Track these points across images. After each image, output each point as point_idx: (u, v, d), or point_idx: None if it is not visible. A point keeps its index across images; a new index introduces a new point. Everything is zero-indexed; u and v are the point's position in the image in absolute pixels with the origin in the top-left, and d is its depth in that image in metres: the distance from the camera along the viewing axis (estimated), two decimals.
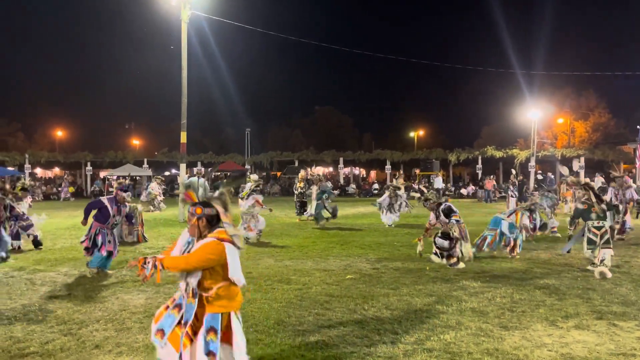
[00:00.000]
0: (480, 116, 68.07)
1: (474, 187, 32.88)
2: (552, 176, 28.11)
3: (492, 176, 30.34)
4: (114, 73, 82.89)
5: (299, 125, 63.26)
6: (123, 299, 6.16)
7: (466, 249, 8.32)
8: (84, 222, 7.83)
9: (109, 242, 7.74)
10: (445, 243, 8.29)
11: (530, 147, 32.96)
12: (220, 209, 3.40)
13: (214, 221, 3.43)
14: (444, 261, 8.30)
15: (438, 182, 30.71)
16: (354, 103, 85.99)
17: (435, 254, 8.55)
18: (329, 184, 17.46)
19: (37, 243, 10.19)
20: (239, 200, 11.58)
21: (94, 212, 7.90)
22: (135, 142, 53.78)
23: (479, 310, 5.63)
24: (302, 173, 17.10)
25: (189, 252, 3.45)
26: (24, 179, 30.60)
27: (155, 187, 20.92)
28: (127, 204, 8.19)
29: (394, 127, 64.79)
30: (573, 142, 43.55)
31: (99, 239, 7.67)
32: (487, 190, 28.35)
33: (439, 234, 8.51)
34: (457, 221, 8.38)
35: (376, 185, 36.44)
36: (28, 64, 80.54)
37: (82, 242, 7.89)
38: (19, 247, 9.89)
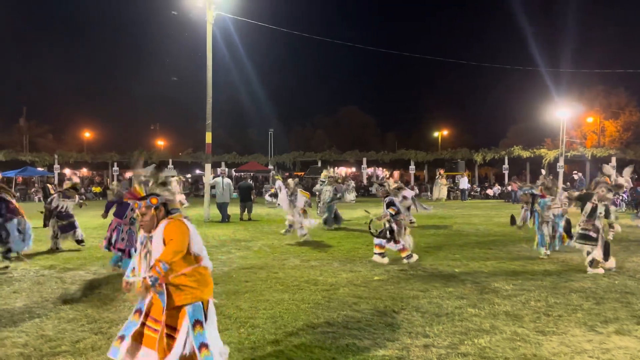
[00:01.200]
0: (507, 115, 66.79)
1: (499, 188, 32.30)
2: (582, 176, 27.43)
3: (515, 177, 29.76)
4: (140, 74, 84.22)
5: (322, 125, 63.30)
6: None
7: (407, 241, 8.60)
8: (104, 215, 8.35)
9: (122, 239, 7.80)
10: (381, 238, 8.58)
11: (559, 147, 32.22)
12: (168, 195, 3.39)
13: (168, 207, 3.41)
14: (385, 260, 8.50)
15: (464, 183, 30.28)
16: (377, 102, 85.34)
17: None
18: (343, 186, 17.17)
19: (79, 241, 10.36)
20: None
21: (113, 209, 8.19)
22: (160, 142, 54.55)
23: (513, 314, 5.45)
24: (324, 173, 16.98)
25: (148, 251, 3.34)
26: (69, 179, 31.29)
27: (175, 187, 20.94)
28: None
29: (418, 127, 64.10)
30: (603, 142, 42.43)
31: (114, 236, 7.81)
32: (512, 191, 27.79)
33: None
34: (392, 215, 8.44)
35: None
36: (57, 66, 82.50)
37: (104, 238, 8.05)
38: (57, 247, 9.94)
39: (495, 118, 68.77)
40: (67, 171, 41.58)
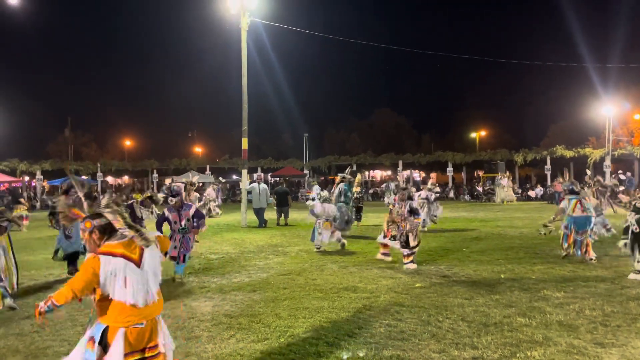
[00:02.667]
0: (547, 114, 64.46)
1: (542, 189, 31.24)
2: (631, 176, 26.21)
3: (561, 177, 28.69)
4: (177, 83, 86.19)
5: (356, 128, 62.98)
6: (191, 306, 6.16)
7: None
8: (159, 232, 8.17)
9: (175, 247, 7.82)
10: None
11: (605, 146, 30.91)
12: (111, 217, 3.16)
13: (107, 231, 3.17)
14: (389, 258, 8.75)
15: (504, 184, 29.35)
16: (412, 104, 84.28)
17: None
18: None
19: None
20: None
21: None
22: (198, 149, 55.55)
23: (567, 323, 5.14)
24: (358, 177, 16.72)
25: None
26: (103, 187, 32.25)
27: (210, 193, 21.05)
28: (191, 203, 8.36)
29: (454, 128, 62.87)
30: None
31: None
32: (556, 192, 26.78)
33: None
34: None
35: (437, 189, 35.47)
36: (99, 77, 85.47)
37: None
38: None
39: (536, 117, 66.60)
40: (109, 178, 42.91)
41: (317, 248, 10.47)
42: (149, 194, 10.55)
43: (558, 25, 65.99)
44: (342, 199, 13.00)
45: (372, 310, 5.78)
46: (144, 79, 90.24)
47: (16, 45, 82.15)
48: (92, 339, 3.06)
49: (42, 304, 2.99)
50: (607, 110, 30.90)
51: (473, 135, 54.24)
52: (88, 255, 3.18)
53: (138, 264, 3.10)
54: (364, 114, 70.04)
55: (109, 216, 3.18)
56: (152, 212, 10.23)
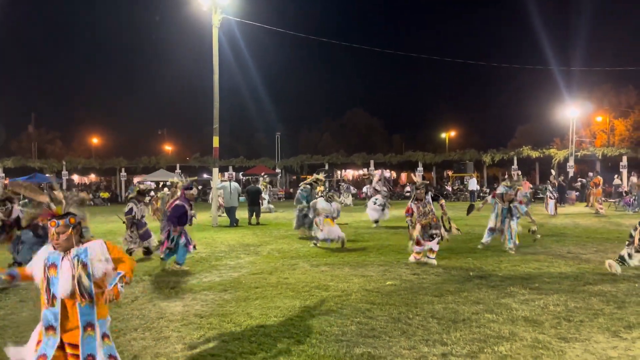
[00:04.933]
0: (514, 115, 66.48)
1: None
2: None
3: (525, 177, 29.42)
4: (147, 80, 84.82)
5: (328, 128, 63.18)
6: (160, 306, 6.06)
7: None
8: (178, 229, 8.34)
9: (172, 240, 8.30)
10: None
11: (569, 147, 31.88)
12: (81, 214, 3.43)
13: (81, 227, 3.44)
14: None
15: (472, 184, 30.01)
16: (383, 104, 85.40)
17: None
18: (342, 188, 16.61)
19: (148, 252, 9.80)
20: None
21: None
22: (168, 147, 54.67)
23: (532, 319, 5.27)
24: (320, 176, 16.13)
25: (58, 268, 3.23)
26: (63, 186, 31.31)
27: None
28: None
29: (425, 128, 64.08)
30: (613, 141, 41.97)
31: (182, 239, 8.30)
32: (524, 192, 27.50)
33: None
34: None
35: (408, 188, 35.91)
36: (64, 73, 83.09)
37: (162, 244, 8.46)
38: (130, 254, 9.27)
39: (503, 118, 68.43)
40: (75, 177, 41.80)
41: (314, 243, 10.76)
42: (136, 190, 10.27)
43: (525, 29, 67.72)
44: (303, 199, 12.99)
45: (343, 308, 5.80)
46: (112, 75, 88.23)
47: None
48: (105, 335, 3.33)
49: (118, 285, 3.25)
50: (571, 112, 31.87)
51: (443, 135, 55.17)
52: (42, 256, 3.29)
53: None
54: (337, 113, 70.25)
55: (80, 213, 3.41)
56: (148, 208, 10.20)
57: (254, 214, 16.64)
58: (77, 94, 76.74)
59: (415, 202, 8.65)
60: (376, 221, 15.05)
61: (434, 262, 8.44)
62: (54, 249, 3.30)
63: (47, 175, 34.72)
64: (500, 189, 10.32)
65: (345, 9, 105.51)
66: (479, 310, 5.64)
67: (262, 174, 34.03)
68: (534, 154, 33.90)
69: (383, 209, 15.00)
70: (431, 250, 8.54)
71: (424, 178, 38.12)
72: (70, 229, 3.29)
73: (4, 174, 34.52)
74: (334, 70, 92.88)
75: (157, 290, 6.92)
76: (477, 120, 72.55)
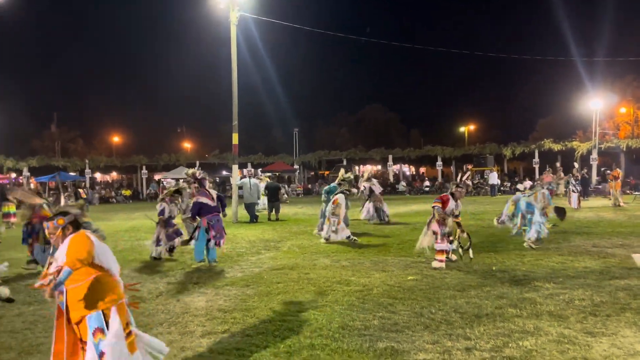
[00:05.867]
0: (535, 108, 64.95)
1: (530, 182, 31.54)
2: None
3: (549, 169, 28.95)
4: (166, 78, 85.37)
5: (345, 123, 62.99)
6: (184, 301, 6.15)
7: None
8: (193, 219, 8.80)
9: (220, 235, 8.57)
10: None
11: (592, 139, 31.26)
12: (76, 211, 3.63)
13: (76, 225, 3.60)
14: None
15: (493, 178, 29.65)
16: (400, 98, 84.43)
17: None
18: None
19: (172, 249, 9.53)
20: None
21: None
22: (187, 145, 55.19)
23: (557, 314, 5.21)
24: (341, 172, 16.28)
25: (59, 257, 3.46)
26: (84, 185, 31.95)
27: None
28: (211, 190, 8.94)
29: (443, 122, 63.29)
30: (637, 132, 41.00)
31: (199, 233, 8.50)
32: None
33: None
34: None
35: (427, 183, 35.70)
36: (85, 73, 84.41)
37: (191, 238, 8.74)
38: (159, 257, 9.24)
39: (523, 111, 67.16)
40: (97, 175, 42.54)
41: (325, 239, 10.72)
42: (172, 189, 10.00)
43: (546, 19, 66.57)
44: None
45: (365, 303, 5.82)
46: (131, 74, 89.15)
47: (1, 42, 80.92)
48: (99, 329, 3.31)
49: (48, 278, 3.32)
50: (594, 104, 31.23)
51: (462, 129, 54.56)
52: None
53: None
54: (353, 109, 69.88)
55: (75, 211, 3.63)
56: (179, 207, 9.92)
57: (274, 209, 16.74)
58: (98, 93, 77.82)
59: (452, 198, 8.04)
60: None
61: (439, 265, 7.69)
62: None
63: (70, 173, 35.43)
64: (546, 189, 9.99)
65: (361, 3, 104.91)
66: (502, 304, 5.59)
67: (259, 170, 34.15)
68: (556, 147, 33.32)
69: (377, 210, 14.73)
70: (445, 251, 7.86)
71: (443, 174, 37.87)
72: (60, 230, 3.51)
73: (29, 173, 35.29)
74: (350, 65, 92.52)
75: (180, 286, 7.03)
76: (496, 113, 71.47)
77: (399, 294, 6.16)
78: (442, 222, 7.92)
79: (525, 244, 9.34)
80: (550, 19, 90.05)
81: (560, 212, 10.63)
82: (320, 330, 4.87)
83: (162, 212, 9.45)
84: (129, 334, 3.41)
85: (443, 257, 7.79)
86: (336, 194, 11.10)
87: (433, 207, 8.02)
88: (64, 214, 3.58)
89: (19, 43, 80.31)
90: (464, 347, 4.32)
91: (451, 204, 7.99)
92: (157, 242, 9.27)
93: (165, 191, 10.31)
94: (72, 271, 3.28)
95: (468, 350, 4.26)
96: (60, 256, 3.40)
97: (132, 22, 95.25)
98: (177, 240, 9.47)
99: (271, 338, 4.68)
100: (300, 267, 8.16)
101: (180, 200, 9.77)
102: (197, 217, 8.70)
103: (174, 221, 9.57)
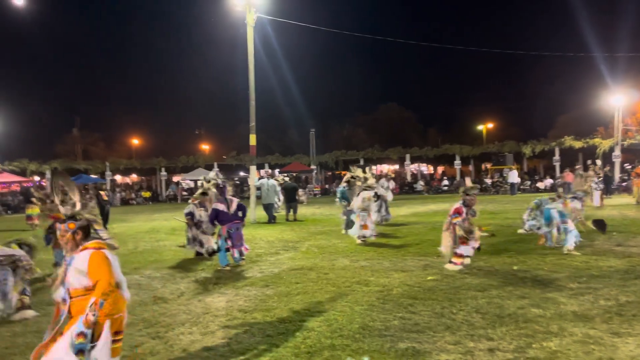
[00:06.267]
0: (554, 105, 63.88)
1: (551, 180, 31.07)
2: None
3: (570, 168, 28.46)
4: (184, 81, 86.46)
5: (362, 123, 62.76)
6: (205, 302, 6.20)
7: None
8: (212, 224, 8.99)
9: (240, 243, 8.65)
10: None
11: (614, 136, 30.64)
12: (90, 217, 3.53)
13: (87, 231, 3.50)
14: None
15: (513, 176, 29.25)
16: (417, 97, 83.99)
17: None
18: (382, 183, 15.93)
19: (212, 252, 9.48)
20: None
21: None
22: (205, 146, 55.67)
23: (581, 314, 5.12)
24: (358, 171, 15.98)
25: (71, 267, 3.38)
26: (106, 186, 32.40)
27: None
28: (233, 198, 8.87)
29: (460, 121, 62.47)
30: None
31: (221, 241, 8.53)
32: (567, 183, 26.63)
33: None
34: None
35: (446, 182, 35.40)
36: (105, 77, 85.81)
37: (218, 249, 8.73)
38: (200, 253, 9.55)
39: (543, 108, 66.10)
40: (118, 177, 43.15)
41: (362, 240, 10.51)
42: (200, 192, 9.89)
43: (565, 15, 65.40)
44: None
45: (385, 303, 5.80)
46: (150, 77, 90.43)
47: (24, 45, 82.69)
48: (82, 334, 3.18)
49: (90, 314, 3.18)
50: (616, 100, 30.60)
51: (480, 127, 53.91)
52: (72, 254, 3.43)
53: None
54: (370, 108, 69.63)
55: (89, 217, 3.53)
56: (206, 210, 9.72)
57: (292, 210, 16.78)
58: (118, 96, 79.12)
59: (465, 207, 7.82)
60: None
61: (453, 267, 7.56)
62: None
63: (92, 176, 36.02)
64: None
65: (377, 3, 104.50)
66: (524, 304, 5.52)
67: (277, 171, 34.14)
68: (577, 144, 32.70)
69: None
70: (461, 255, 7.62)
71: (462, 173, 37.48)
72: (69, 234, 3.44)
73: (51, 176, 35.93)
74: (365, 64, 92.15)
75: (201, 286, 7.09)
76: (515, 111, 70.35)
77: (419, 294, 6.12)
78: (469, 233, 7.64)
79: (564, 250, 8.63)
80: (570, 15, 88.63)
81: (600, 224, 10.31)
82: (340, 330, 4.86)
83: (189, 214, 9.68)
84: (116, 341, 3.34)
85: (460, 260, 7.64)
86: (360, 192, 10.79)
87: (453, 223, 7.65)
88: (76, 218, 3.53)
89: (43, 47, 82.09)
90: (487, 348, 4.27)
91: (465, 211, 7.72)
92: (193, 241, 9.63)
93: (194, 195, 10.36)
94: (105, 302, 3.21)
95: (490, 351, 4.22)
96: (79, 274, 3.29)
97: (151, 25, 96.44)
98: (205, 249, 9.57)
99: (291, 338, 4.69)
100: (319, 267, 8.16)
101: (208, 203, 9.66)
102: (215, 223, 8.79)
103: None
